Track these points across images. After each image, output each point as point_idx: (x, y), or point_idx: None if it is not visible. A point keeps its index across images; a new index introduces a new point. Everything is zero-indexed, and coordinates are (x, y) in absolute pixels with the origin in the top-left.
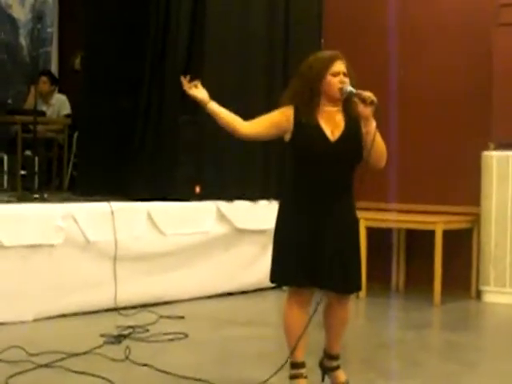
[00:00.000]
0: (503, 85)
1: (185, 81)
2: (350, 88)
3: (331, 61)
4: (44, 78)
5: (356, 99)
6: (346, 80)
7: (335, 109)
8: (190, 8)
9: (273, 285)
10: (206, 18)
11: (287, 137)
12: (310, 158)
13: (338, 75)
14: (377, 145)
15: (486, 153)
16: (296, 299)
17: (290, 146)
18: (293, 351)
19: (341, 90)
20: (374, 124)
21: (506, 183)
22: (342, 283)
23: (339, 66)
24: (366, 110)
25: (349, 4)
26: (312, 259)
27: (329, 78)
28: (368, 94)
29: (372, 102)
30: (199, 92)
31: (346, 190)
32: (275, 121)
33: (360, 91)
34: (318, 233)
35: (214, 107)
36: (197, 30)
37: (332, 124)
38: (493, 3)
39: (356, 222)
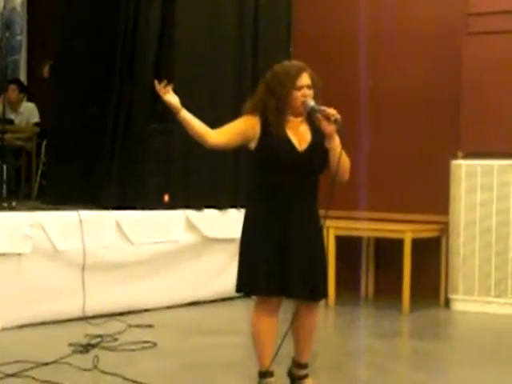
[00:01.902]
0: (472, 94)
1: (159, 86)
2: (312, 103)
3: (297, 75)
4: (13, 86)
5: (319, 115)
6: (309, 93)
7: (299, 119)
8: (159, 17)
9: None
10: (175, 27)
11: (252, 145)
12: (277, 168)
13: (302, 89)
14: (342, 161)
15: (454, 162)
16: (264, 307)
17: (256, 154)
18: (273, 358)
19: (303, 103)
20: (337, 141)
21: (474, 192)
22: (310, 291)
23: (304, 80)
24: (329, 127)
25: (318, 12)
26: (279, 268)
27: (294, 92)
28: (332, 112)
29: (336, 120)
30: (172, 98)
31: (311, 198)
32: (242, 130)
33: (324, 108)
34: (284, 241)
35: (186, 115)
36: (166, 38)
37: (298, 134)
38: (461, 12)
39: (321, 229)
